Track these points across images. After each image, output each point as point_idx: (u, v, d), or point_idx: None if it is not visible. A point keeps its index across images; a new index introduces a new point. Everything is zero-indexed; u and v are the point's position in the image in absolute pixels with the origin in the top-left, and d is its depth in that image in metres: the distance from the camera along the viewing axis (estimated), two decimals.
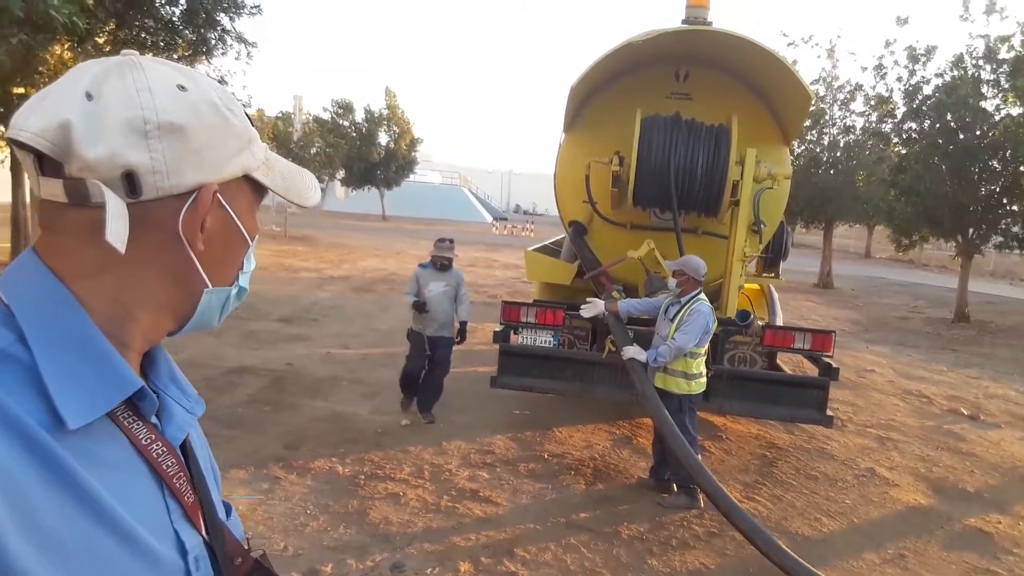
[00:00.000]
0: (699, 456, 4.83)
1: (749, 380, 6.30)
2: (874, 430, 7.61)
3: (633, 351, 5.26)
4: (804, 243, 40.80)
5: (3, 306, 0.69)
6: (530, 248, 8.17)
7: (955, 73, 15.14)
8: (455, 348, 6.72)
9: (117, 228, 0.68)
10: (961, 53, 15.30)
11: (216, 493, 0.89)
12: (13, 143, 0.69)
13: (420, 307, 6.44)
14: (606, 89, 6.74)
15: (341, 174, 38.84)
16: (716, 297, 6.42)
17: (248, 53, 12.46)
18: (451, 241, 6.66)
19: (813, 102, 7.69)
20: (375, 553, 4.25)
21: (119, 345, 0.73)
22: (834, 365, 6.22)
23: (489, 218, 53.84)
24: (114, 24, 10.33)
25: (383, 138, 40.53)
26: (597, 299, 5.95)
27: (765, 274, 7.81)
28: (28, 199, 12.55)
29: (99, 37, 10.16)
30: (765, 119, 6.64)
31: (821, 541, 4.98)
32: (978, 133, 14.88)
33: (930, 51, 16.01)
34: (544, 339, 6.55)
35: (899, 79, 16.50)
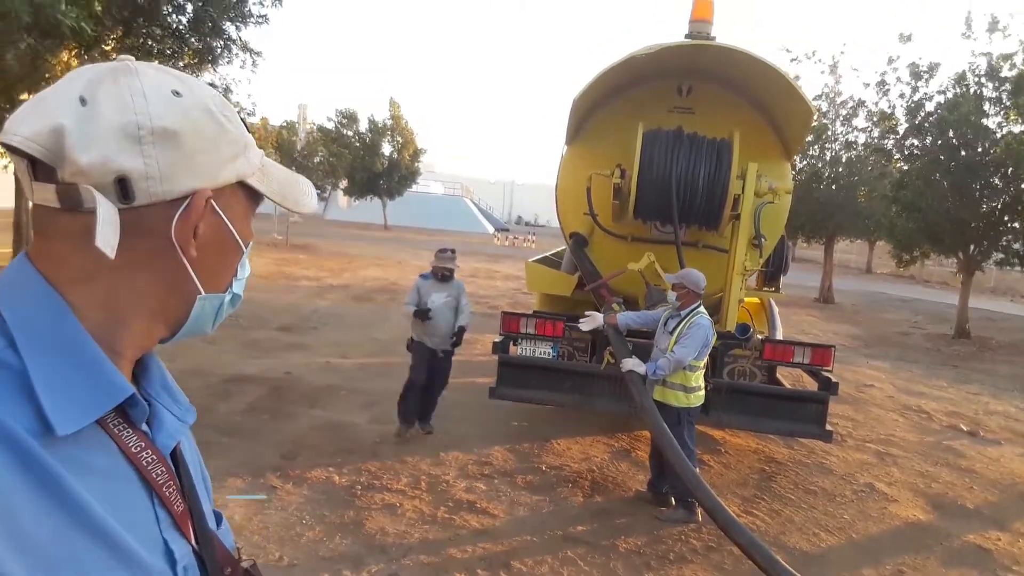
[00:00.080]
0: (697, 470, 4.81)
1: (748, 394, 6.29)
2: (873, 445, 7.58)
3: (632, 363, 5.25)
4: (805, 258, 40.82)
5: None
6: (531, 259, 8.18)
7: (957, 90, 15.19)
8: (452, 358, 6.69)
9: (107, 233, 0.67)
10: (963, 70, 15.35)
11: (207, 502, 0.89)
12: (7, 147, 0.69)
13: (423, 314, 6.29)
14: (608, 102, 6.76)
15: (344, 184, 38.97)
16: (716, 310, 6.42)
17: (253, 62, 12.49)
18: (453, 251, 6.57)
19: (815, 117, 7.71)
20: (371, 564, 4.23)
21: (110, 352, 0.72)
22: (833, 380, 6.22)
23: (491, 229, 53.90)
24: (121, 32, 10.38)
25: (386, 148, 40.67)
26: (596, 312, 5.95)
27: (766, 288, 7.82)
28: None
29: (106, 45, 10.20)
30: (767, 134, 6.66)
31: (819, 556, 4.95)
32: (980, 150, 14.92)
33: (933, 68, 16.07)
34: (543, 350, 6.55)
35: (901, 95, 16.56)
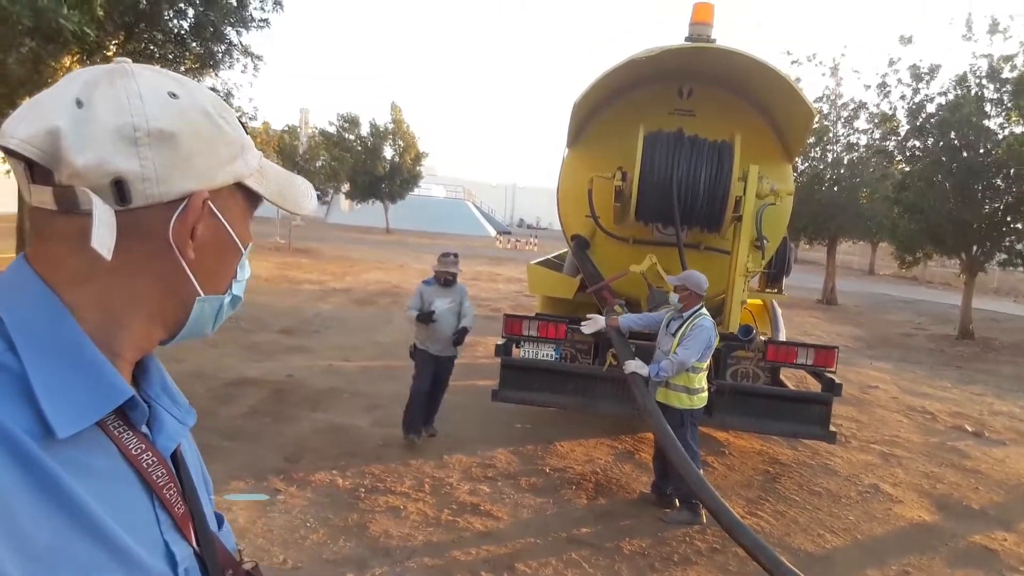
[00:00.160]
0: (701, 471, 4.80)
1: (752, 395, 6.27)
2: (878, 446, 7.56)
3: (635, 365, 5.24)
4: (808, 259, 40.74)
5: None
6: (533, 262, 8.17)
7: (959, 92, 15.18)
8: (455, 361, 6.68)
9: (103, 235, 0.67)
10: (965, 72, 15.35)
11: (208, 504, 0.89)
12: (4, 150, 0.69)
13: (427, 317, 6.23)
14: (609, 105, 6.77)
15: (346, 187, 38.96)
16: (718, 312, 6.41)
17: (255, 66, 12.51)
18: (455, 256, 6.51)
19: (816, 119, 7.71)
20: (375, 567, 4.23)
21: (109, 354, 0.72)
22: (837, 381, 6.20)
23: (493, 232, 53.89)
24: (123, 36, 10.41)
25: (388, 152, 40.69)
26: (598, 315, 5.94)
27: (768, 289, 7.81)
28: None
29: (108, 49, 10.23)
30: (768, 136, 6.66)
31: (824, 558, 4.94)
32: (981, 151, 14.92)
33: (933, 70, 16.07)
34: (546, 353, 6.54)
35: (903, 97, 16.57)
